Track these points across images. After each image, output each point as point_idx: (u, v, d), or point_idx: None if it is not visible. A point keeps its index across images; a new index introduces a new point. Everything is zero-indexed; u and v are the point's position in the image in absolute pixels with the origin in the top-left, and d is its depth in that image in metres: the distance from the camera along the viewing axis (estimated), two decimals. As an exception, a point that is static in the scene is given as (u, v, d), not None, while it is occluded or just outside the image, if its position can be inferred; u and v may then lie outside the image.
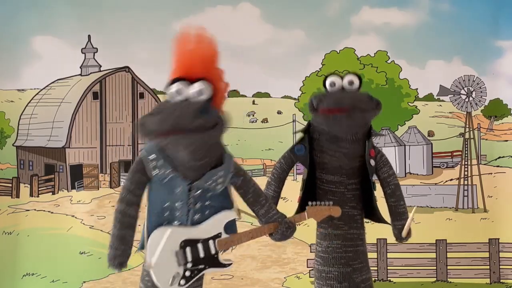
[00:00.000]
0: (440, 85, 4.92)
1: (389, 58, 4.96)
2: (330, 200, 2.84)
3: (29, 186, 5.07)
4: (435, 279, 4.70)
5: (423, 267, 4.70)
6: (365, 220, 3.00)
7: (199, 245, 2.44)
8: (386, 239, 4.61)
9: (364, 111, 2.76)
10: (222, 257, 2.50)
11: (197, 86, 2.37)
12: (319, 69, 4.97)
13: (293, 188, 3.04)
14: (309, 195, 2.88)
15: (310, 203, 2.70)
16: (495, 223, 4.79)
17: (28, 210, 4.92)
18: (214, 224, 2.48)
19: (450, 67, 4.93)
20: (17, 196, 5.01)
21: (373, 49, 4.96)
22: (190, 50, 2.45)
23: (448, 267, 4.69)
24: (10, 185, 5.02)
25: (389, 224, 2.93)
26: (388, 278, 4.67)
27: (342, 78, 2.87)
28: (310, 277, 4.67)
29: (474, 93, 4.94)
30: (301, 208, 2.89)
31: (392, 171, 2.93)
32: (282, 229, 2.58)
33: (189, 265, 2.42)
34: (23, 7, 4.88)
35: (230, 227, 2.53)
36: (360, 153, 2.84)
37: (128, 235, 2.42)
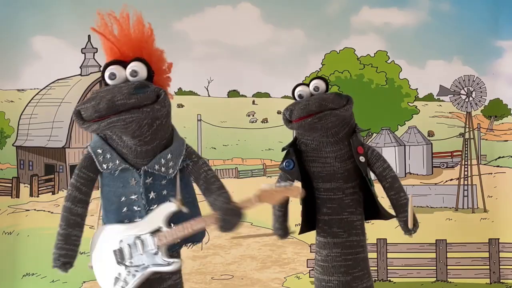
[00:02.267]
0: (440, 85, 4.92)
1: (389, 58, 4.96)
2: (328, 208, 2.84)
3: (29, 186, 5.06)
4: (435, 279, 4.70)
5: (423, 267, 4.70)
6: (370, 221, 2.99)
7: (137, 241, 2.28)
8: (386, 239, 4.61)
9: (333, 109, 2.76)
10: (163, 254, 2.29)
11: (130, 67, 2.27)
12: (319, 69, 4.97)
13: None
14: (309, 207, 2.88)
15: (263, 185, 2.42)
16: (495, 223, 4.79)
17: (28, 210, 4.92)
18: (154, 218, 2.30)
19: (450, 67, 4.93)
20: (17, 196, 5.01)
21: (373, 49, 4.95)
22: (121, 32, 2.35)
23: (448, 267, 4.69)
24: (10, 185, 5.01)
25: (394, 217, 2.91)
26: (388, 278, 4.67)
27: (308, 85, 2.89)
28: (310, 277, 4.67)
29: (474, 93, 4.93)
30: (305, 223, 2.89)
31: (387, 164, 2.90)
32: (223, 215, 2.30)
33: (128, 263, 2.27)
34: (23, 7, 4.88)
35: (181, 221, 2.33)
36: (349, 154, 2.84)
37: (73, 234, 2.32)
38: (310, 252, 4.66)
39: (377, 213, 2.91)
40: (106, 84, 2.29)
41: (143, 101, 2.16)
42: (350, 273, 2.85)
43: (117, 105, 2.14)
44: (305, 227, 2.92)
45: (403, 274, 4.69)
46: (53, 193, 5.06)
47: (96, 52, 5.05)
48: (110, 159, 2.29)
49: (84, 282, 4.59)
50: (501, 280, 4.68)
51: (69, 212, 2.34)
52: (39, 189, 5.06)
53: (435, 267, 4.71)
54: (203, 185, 2.42)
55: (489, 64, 4.93)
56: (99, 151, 2.31)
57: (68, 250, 2.32)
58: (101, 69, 2.30)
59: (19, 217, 4.89)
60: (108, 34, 2.33)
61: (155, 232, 2.29)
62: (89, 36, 4.98)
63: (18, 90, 5.04)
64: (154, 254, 2.29)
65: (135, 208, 2.33)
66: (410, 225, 2.79)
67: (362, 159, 2.82)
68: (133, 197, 2.32)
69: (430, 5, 4.96)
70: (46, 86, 5.05)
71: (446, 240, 4.69)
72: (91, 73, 5.16)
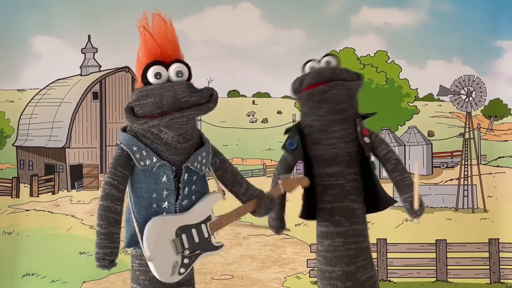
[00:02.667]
0: (440, 85, 4.92)
1: (389, 58, 4.96)
2: (330, 195, 2.83)
3: (29, 186, 5.07)
4: (435, 279, 4.70)
5: (423, 267, 4.70)
6: (370, 222, 2.98)
7: (193, 230, 2.41)
8: (386, 239, 4.62)
9: (346, 80, 2.78)
10: (214, 240, 2.49)
11: (176, 67, 2.37)
12: (319, 69, 4.97)
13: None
14: (310, 194, 2.87)
15: (281, 176, 2.78)
16: (495, 223, 4.79)
17: (28, 210, 4.92)
18: (204, 208, 2.47)
19: (450, 67, 4.93)
20: (17, 196, 5.01)
21: (373, 49, 4.96)
22: (159, 34, 2.42)
23: (448, 267, 4.69)
24: (10, 185, 5.02)
25: (397, 202, 2.88)
26: (388, 278, 4.68)
27: (319, 62, 2.92)
28: (310, 277, 4.67)
29: (474, 93, 4.94)
30: (308, 210, 2.88)
31: (390, 148, 2.88)
32: (266, 203, 2.62)
33: (186, 252, 2.39)
34: (23, 7, 4.88)
35: None
36: (353, 136, 2.82)
37: (115, 232, 2.33)
38: (310, 252, 4.66)
39: (378, 202, 2.88)
40: (147, 83, 2.35)
41: (201, 99, 2.32)
42: (353, 262, 2.82)
43: (181, 102, 2.26)
44: (306, 212, 2.90)
45: (403, 274, 4.70)
46: (53, 193, 5.06)
47: (96, 52, 5.05)
48: (147, 156, 2.34)
49: (84, 282, 4.59)
50: (501, 280, 4.68)
51: (108, 211, 2.34)
52: (39, 189, 5.07)
53: (435, 267, 4.71)
54: (230, 178, 2.60)
55: (489, 64, 4.93)
56: (135, 148, 2.35)
57: (112, 248, 2.32)
58: (143, 67, 2.35)
59: (19, 217, 4.89)
60: (154, 35, 2.42)
61: (206, 220, 2.47)
62: (89, 36, 4.98)
63: (18, 90, 5.04)
64: (206, 240, 2.45)
65: (164, 204, 2.38)
66: (416, 205, 2.70)
67: (366, 140, 2.81)
68: (164, 193, 2.38)
69: (430, 5, 4.97)
70: (46, 86, 5.05)
71: (446, 240, 4.69)
72: (91, 73, 5.16)
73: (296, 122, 3.00)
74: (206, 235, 2.45)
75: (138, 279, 2.44)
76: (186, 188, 2.41)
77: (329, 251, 2.85)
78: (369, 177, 2.84)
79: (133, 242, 2.40)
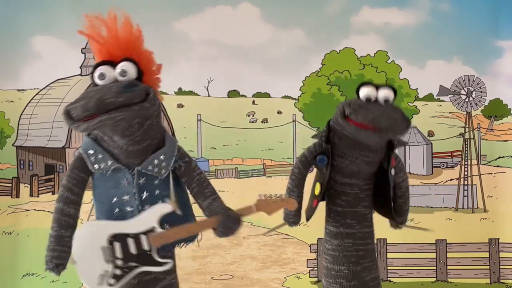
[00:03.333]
0: (440, 85, 4.92)
1: (389, 58, 4.95)
2: (343, 200, 2.84)
3: (29, 186, 5.07)
4: (435, 279, 4.70)
5: (423, 267, 4.70)
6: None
7: (129, 239, 2.25)
8: (386, 239, 4.61)
9: (397, 133, 2.73)
10: (156, 255, 2.30)
11: (119, 67, 2.28)
12: (319, 69, 4.97)
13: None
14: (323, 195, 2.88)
15: (259, 195, 2.50)
16: (495, 223, 4.79)
17: (28, 210, 4.92)
18: (148, 218, 2.30)
19: (450, 67, 4.93)
20: (17, 196, 5.01)
21: (373, 49, 4.95)
22: (109, 34, 2.35)
23: (448, 267, 4.69)
24: (10, 185, 5.02)
25: (395, 221, 2.96)
26: (388, 278, 4.67)
27: (377, 88, 2.77)
28: (310, 277, 4.67)
29: (474, 93, 4.93)
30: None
31: (406, 176, 2.97)
32: (224, 220, 2.36)
33: (119, 262, 2.24)
34: (23, 7, 4.88)
35: (173, 221, 2.36)
36: (379, 159, 2.82)
37: (65, 235, 2.30)
38: (310, 252, 4.66)
39: (383, 209, 2.93)
40: (95, 85, 2.31)
41: (132, 99, 2.17)
42: (360, 263, 2.86)
43: (106, 103, 2.14)
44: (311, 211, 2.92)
45: (403, 274, 4.69)
46: (53, 193, 5.06)
47: (96, 52, 5.05)
48: (102, 159, 2.30)
49: (84, 282, 4.59)
50: (501, 280, 4.68)
51: (61, 214, 2.32)
52: (39, 189, 5.06)
53: (435, 267, 4.70)
54: (195, 188, 2.44)
55: (489, 64, 4.93)
56: (91, 151, 2.31)
57: (61, 252, 2.30)
58: (91, 70, 2.32)
59: (19, 217, 4.89)
60: (96, 36, 2.34)
61: (149, 232, 2.29)
62: (89, 36, 4.98)
63: (18, 90, 5.04)
64: (147, 254, 2.28)
65: (128, 208, 2.33)
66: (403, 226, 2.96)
67: (393, 172, 2.83)
68: (125, 197, 2.32)
69: (430, 5, 4.96)
70: (46, 86, 5.05)
71: (446, 240, 4.69)
72: (91, 73, 5.16)
73: (328, 125, 2.86)
74: (146, 248, 2.27)
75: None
76: (145, 193, 2.33)
77: (338, 251, 2.88)
78: (384, 190, 2.87)
79: None
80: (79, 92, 2.35)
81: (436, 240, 4.69)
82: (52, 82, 5.04)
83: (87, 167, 2.33)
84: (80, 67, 5.09)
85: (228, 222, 2.38)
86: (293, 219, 2.94)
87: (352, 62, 4.95)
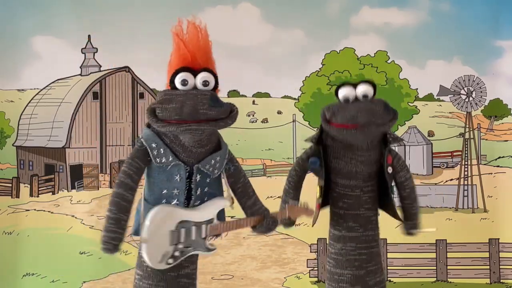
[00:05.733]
0: (440, 85, 4.92)
1: (389, 58, 4.96)
2: (344, 203, 2.83)
3: (29, 186, 5.07)
4: (435, 279, 4.70)
5: (423, 267, 4.70)
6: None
7: (193, 227, 2.47)
8: (386, 239, 4.61)
9: (380, 125, 2.69)
10: (209, 242, 2.55)
11: (203, 77, 2.44)
12: (319, 69, 4.97)
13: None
14: (324, 198, 2.86)
15: (291, 201, 2.82)
16: (495, 223, 4.79)
17: (28, 210, 4.92)
18: (209, 209, 2.53)
19: (450, 67, 4.93)
20: (17, 196, 5.01)
21: (373, 49, 4.95)
22: (192, 41, 2.51)
23: (448, 267, 4.69)
24: (10, 185, 5.02)
25: (402, 221, 2.93)
26: (388, 278, 4.67)
27: (355, 86, 2.76)
28: (310, 277, 4.68)
29: (474, 93, 4.94)
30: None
31: (409, 174, 2.90)
32: (268, 223, 2.66)
33: (180, 246, 2.45)
34: (23, 7, 4.88)
35: (220, 214, 2.58)
36: (377, 158, 2.80)
37: (123, 219, 2.40)
38: (310, 252, 4.67)
39: (388, 208, 2.90)
40: (174, 88, 2.44)
41: (220, 114, 2.38)
42: (364, 267, 2.82)
43: (200, 113, 2.33)
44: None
45: (403, 274, 4.70)
46: (53, 193, 5.06)
47: (96, 52, 5.05)
48: (163, 154, 2.42)
49: (84, 282, 4.59)
50: (501, 280, 4.68)
51: (121, 198, 2.41)
52: (39, 189, 5.07)
53: (435, 267, 4.71)
54: (240, 188, 2.65)
55: (489, 64, 4.93)
56: (153, 145, 2.43)
57: (119, 234, 2.38)
58: (172, 73, 2.44)
59: (19, 217, 4.89)
60: (186, 41, 2.51)
61: (208, 222, 2.51)
62: (89, 36, 4.98)
63: (18, 90, 5.04)
64: (202, 240, 2.50)
65: (173, 201, 2.46)
66: (416, 232, 2.95)
67: (390, 170, 2.80)
68: (174, 191, 2.46)
69: (430, 5, 4.97)
70: (46, 86, 5.05)
71: (446, 240, 4.69)
72: (91, 73, 5.16)
73: (321, 127, 2.86)
74: (203, 236, 2.50)
75: (142, 266, 2.51)
76: (199, 189, 2.49)
77: (341, 255, 2.85)
78: (386, 191, 2.85)
79: (140, 230, 2.46)
80: (79, 92, 2.39)
81: (436, 240, 4.70)
82: (52, 82, 5.04)
83: (147, 158, 2.45)
84: (80, 67, 5.09)
85: (270, 223, 2.67)
86: (286, 220, 2.95)
87: (352, 62, 4.95)
